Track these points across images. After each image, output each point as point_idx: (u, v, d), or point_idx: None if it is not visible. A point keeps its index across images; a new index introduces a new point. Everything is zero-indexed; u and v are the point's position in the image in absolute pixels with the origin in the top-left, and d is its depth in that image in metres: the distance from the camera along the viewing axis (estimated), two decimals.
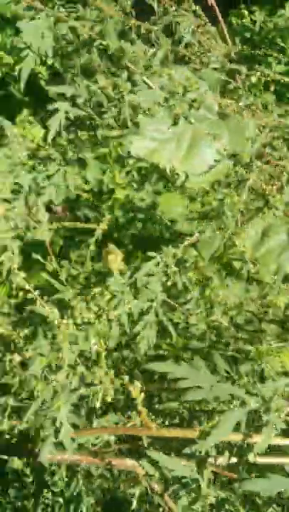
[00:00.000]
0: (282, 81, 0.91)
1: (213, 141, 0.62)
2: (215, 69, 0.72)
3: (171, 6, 0.75)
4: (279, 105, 0.94)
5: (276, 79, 1.01)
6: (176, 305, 0.64)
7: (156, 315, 0.62)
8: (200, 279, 0.66)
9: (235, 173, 0.60)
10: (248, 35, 1.50)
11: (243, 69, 0.72)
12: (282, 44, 1.58)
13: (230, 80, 0.69)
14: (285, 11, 1.63)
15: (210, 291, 0.66)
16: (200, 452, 0.58)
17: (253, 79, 0.99)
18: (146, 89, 0.65)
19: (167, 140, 0.64)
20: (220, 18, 0.76)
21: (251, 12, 1.55)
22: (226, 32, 0.80)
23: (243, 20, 1.51)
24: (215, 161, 0.60)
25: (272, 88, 1.60)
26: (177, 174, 0.60)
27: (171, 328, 0.63)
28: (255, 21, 1.51)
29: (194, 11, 0.72)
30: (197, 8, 0.73)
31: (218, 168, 0.60)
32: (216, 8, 0.77)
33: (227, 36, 0.81)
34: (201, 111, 0.66)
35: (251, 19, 1.52)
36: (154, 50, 0.69)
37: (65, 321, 0.53)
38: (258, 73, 0.88)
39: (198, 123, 0.66)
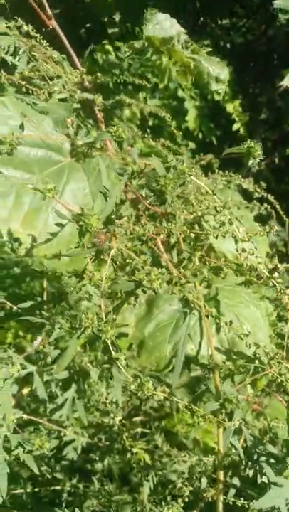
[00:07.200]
0: (159, 115, 0.80)
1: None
2: (63, 100, 0.56)
3: None
4: (155, 140, 0.81)
5: (153, 112, 0.89)
6: None
7: None
8: None
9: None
10: (116, 71, 1.40)
11: (98, 99, 0.58)
12: (154, 79, 1.52)
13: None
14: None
15: None
16: None
17: (127, 112, 0.85)
18: None
19: (3, 193, 0.46)
20: (63, 38, 0.62)
21: (116, 49, 1.46)
22: (75, 58, 0.66)
23: (109, 57, 1.42)
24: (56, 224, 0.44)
25: (150, 123, 1.49)
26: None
27: None
28: (121, 58, 1.42)
29: (19, 28, 0.56)
30: (30, 27, 0.57)
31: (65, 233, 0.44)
32: (58, 28, 0.62)
33: (78, 64, 0.67)
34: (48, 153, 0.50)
35: (117, 56, 1.43)
36: None
37: None
38: (133, 105, 0.76)
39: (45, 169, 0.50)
